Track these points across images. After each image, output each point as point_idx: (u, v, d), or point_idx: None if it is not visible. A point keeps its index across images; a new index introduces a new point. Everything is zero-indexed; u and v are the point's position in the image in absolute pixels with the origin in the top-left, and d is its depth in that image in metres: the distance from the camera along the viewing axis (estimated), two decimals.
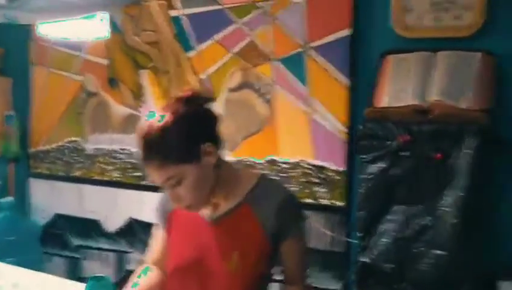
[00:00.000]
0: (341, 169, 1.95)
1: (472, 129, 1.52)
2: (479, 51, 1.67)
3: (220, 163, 1.31)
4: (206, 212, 1.37)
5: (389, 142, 1.63)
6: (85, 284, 1.30)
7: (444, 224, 1.56)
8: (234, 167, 1.40)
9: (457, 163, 1.54)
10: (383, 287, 1.65)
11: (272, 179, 1.52)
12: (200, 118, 1.26)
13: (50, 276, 1.62)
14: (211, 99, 1.33)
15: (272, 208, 1.33)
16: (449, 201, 1.56)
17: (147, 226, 2.35)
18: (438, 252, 1.58)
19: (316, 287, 1.98)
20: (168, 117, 1.22)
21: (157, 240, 1.53)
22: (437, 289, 1.58)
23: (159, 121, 1.21)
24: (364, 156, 1.67)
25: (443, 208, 1.57)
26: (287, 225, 1.34)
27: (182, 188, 1.26)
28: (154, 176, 1.26)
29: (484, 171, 1.55)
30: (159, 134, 1.22)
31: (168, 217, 1.46)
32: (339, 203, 1.97)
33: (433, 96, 1.64)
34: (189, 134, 1.23)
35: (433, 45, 1.76)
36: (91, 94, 2.53)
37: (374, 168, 1.65)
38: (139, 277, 1.42)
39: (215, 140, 1.32)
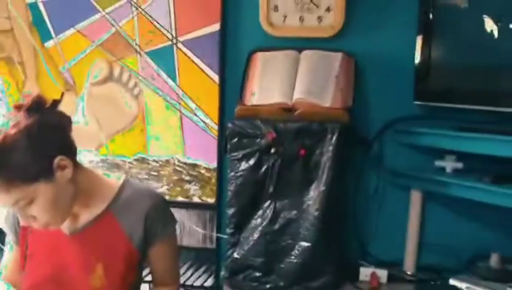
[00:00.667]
0: (212, 166, 1.95)
1: (333, 127, 1.60)
2: (340, 51, 1.76)
3: (78, 172, 1.21)
4: (65, 224, 1.27)
5: (258, 140, 1.65)
6: None
7: (307, 217, 1.63)
8: (94, 173, 1.30)
9: (320, 159, 1.61)
10: (252, 281, 1.68)
11: (137, 183, 1.46)
12: (48, 129, 1.13)
13: None
14: (57, 103, 1.20)
15: (138, 216, 1.27)
16: (312, 195, 1.63)
17: None
18: (303, 243, 1.64)
19: (190, 286, 1.97)
20: (7, 132, 1.08)
21: (10, 254, 1.40)
22: (303, 279, 1.64)
23: None
24: (234, 154, 1.67)
25: (307, 202, 1.63)
26: (155, 230, 1.30)
27: (35, 208, 1.14)
28: (1, 200, 1.13)
29: (343, 166, 1.64)
30: (2, 151, 1.09)
31: (21, 229, 1.33)
32: (210, 200, 1.97)
33: (298, 94, 1.70)
34: (36, 150, 1.10)
35: (299, 44, 1.82)
36: None
37: (244, 165, 1.67)
38: None
39: (69, 150, 1.20)
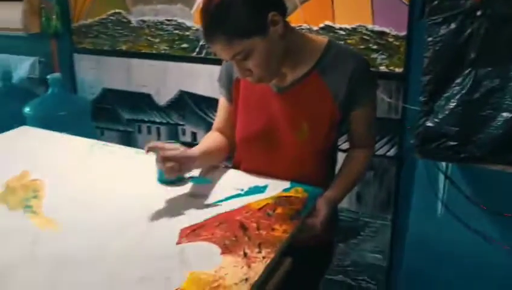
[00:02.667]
0: (401, 34, 1.87)
1: None
2: None
3: (288, 30, 1.26)
4: (273, 82, 1.35)
5: (462, 1, 1.52)
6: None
7: None
8: (301, 33, 1.34)
9: None
10: (446, 150, 1.65)
11: (341, 44, 1.46)
12: None
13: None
14: None
15: (343, 76, 1.29)
16: None
17: (197, 99, 2.37)
18: (505, 114, 1.55)
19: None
20: None
21: (222, 110, 1.53)
22: (502, 150, 1.58)
23: None
24: (434, 17, 1.57)
25: None
26: (359, 92, 1.32)
27: (251, 62, 1.22)
28: (221, 53, 1.22)
29: None
30: (222, 8, 1.15)
31: (233, 87, 1.44)
32: (398, 70, 1.92)
33: None
34: (252, 5, 1.16)
35: None
36: None
37: (443, 30, 1.57)
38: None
39: (281, 7, 1.25)
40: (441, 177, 1.94)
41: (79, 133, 1.75)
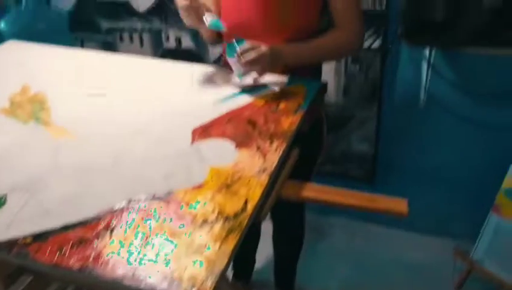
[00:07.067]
0: None
1: None
2: None
3: None
4: None
5: None
6: None
7: None
8: None
9: None
10: (433, 36, 1.69)
11: None
12: None
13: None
14: None
15: None
16: None
17: None
18: None
19: None
20: None
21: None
22: (490, 32, 1.63)
23: None
24: None
25: None
26: None
27: None
28: None
29: None
30: None
31: None
32: None
33: None
34: None
35: None
36: None
37: None
38: None
39: None
40: (424, 65, 2.02)
41: (59, 44, 1.74)
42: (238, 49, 1.26)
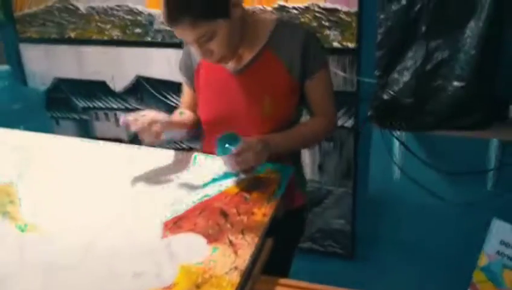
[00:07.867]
0: (353, 10, 1.94)
1: None
2: None
3: (243, 11, 1.31)
4: (230, 65, 1.39)
5: None
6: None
7: (462, 57, 1.62)
8: (251, 13, 1.39)
9: None
10: (401, 120, 1.75)
11: (288, 20, 1.51)
12: None
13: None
14: None
15: (294, 47, 1.36)
16: (469, 33, 1.59)
17: (155, 83, 2.36)
18: (456, 83, 1.66)
19: None
20: None
21: (186, 96, 1.57)
22: (453, 117, 1.70)
23: None
24: None
25: (463, 41, 1.61)
26: (311, 61, 1.37)
27: (214, 44, 1.27)
28: (185, 36, 1.25)
29: (506, 4, 1.57)
30: None
31: (194, 75, 1.48)
32: (350, 45, 1.99)
33: None
34: None
35: None
36: None
37: (395, 5, 1.65)
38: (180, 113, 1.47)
39: None
40: (396, 144, 2.06)
41: (34, 124, 1.73)
42: (234, 150, 1.24)
